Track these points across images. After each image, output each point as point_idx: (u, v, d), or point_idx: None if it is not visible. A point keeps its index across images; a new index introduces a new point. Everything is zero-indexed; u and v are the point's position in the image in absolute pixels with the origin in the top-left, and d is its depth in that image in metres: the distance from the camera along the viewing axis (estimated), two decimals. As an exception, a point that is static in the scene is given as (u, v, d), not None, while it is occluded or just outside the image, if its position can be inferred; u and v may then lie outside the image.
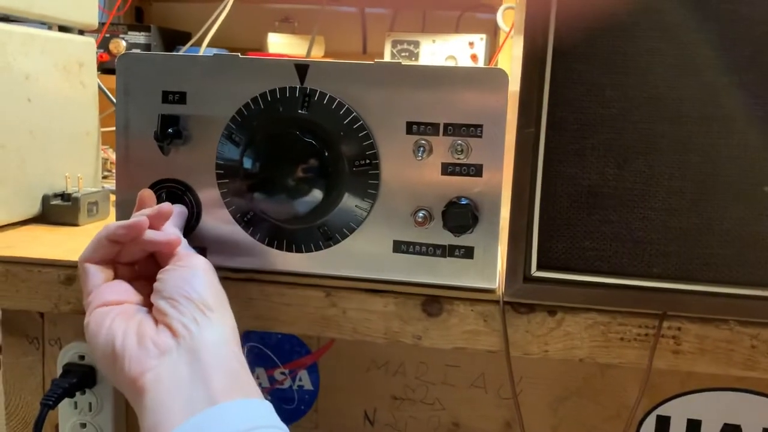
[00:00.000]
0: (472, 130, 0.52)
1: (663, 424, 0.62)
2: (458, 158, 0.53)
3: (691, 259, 0.50)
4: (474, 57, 1.11)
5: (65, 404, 0.62)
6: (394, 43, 1.17)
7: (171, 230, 0.52)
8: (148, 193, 0.54)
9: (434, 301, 0.54)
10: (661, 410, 0.62)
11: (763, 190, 0.49)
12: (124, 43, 1.18)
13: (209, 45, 1.02)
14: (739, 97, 0.48)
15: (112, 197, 0.74)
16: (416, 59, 1.15)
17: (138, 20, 1.40)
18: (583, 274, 0.51)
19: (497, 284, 0.54)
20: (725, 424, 0.61)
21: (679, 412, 0.62)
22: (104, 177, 0.93)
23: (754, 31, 0.48)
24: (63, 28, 0.78)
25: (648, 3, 0.48)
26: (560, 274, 0.51)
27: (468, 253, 0.54)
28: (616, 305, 0.52)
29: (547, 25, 0.48)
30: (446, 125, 0.53)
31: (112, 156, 0.99)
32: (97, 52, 0.84)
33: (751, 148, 0.49)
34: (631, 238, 0.50)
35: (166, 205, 0.51)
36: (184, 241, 0.52)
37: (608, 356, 0.53)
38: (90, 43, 0.80)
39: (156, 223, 0.51)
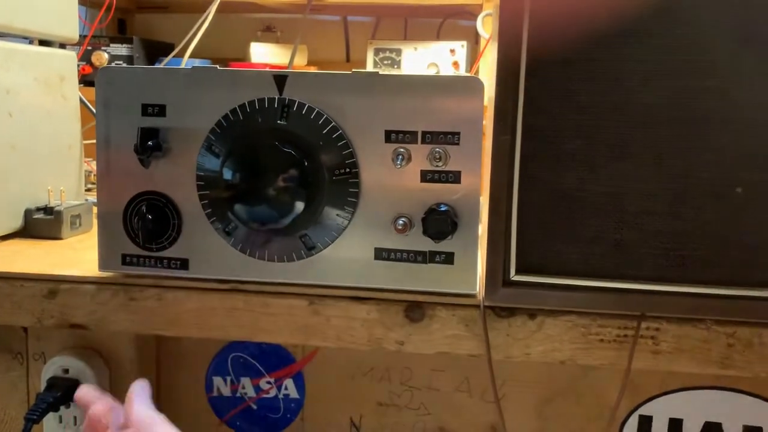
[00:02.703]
0: (450, 137, 0.53)
1: (645, 423, 0.63)
2: (437, 165, 0.53)
3: (666, 260, 0.51)
4: (455, 64, 1.12)
5: (50, 418, 0.62)
6: (377, 51, 1.18)
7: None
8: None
9: (416, 307, 0.55)
10: (643, 410, 0.63)
11: (735, 191, 0.50)
12: (106, 56, 1.18)
13: (192, 56, 1.02)
14: (709, 101, 0.49)
15: (95, 210, 0.74)
16: (398, 67, 1.16)
17: (120, 32, 1.40)
18: (561, 278, 0.52)
19: (478, 289, 0.55)
20: (706, 422, 0.62)
21: (660, 411, 0.62)
22: (87, 189, 0.92)
23: (722, 37, 0.49)
24: (44, 42, 0.78)
25: (618, 11, 0.49)
26: (539, 277, 0.52)
27: (448, 258, 0.54)
28: (595, 307, 0.52)
29: (520, 34, 0.49)
30: (424, 133, 0.53)
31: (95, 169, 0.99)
32: (79, 65, 0.84)
33: (722, 150, 0.50)
34: (607, 241, 0.51)
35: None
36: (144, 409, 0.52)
37: (589, 358, 0.53)
38: (71, 56, 0.81)
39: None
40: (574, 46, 0.50)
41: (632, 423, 0.63)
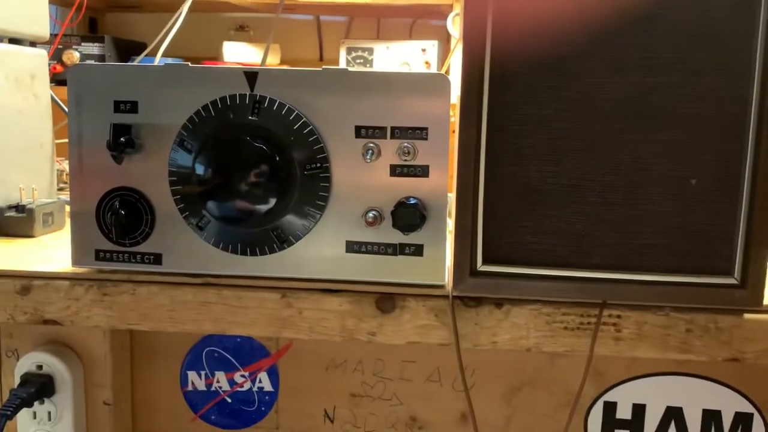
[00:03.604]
0: (418, 132, 0.55)
1: (610, 409, 0.65)
2: (406, 160, 0.55)
3: (626, 249, 0.53)
4: (427, 63, 1.14)
5: (24, 414, 0.63)
6: (349, 50, 1.19)
7: None
8: None
9: (387, 298, 0.56)
10: (608, 396, 0.65)
11: (690, 182, 0.52)
12: (77, 54, 1.18)
13: (165, 55, 1.03)
14: (666, 96, 0.52)
15: (68, 208, 0.74)
16: (371, 66, 1.17)
17: (92, 31, 1.39)
18: (526, 267, 0.53)
19: (446, 280, 0.56)
20: (668, 407, 0.64)
21: (624, 397, 0.65)
22: (60, 189, 0.92)
23: (677, 34, 0.51)
24: (14, 41, 0.78)
25: (579, 9, 0.51)
26: (505, 267, 0.54)
27: (418, 250, 0.56)
28: (559, 296, 0.54)
29: (484, 33, 0.51)
30: (393, 128, 0.55)
31: (67, 168, 0.99)
32: (50, 64, 0.84)
33: (678, 143, 0.52)
34: (569, 232, 0.53)
35: None
36: None
37: (553, 345, 0.55)
38: (42, 55, 0.81)
39: None
40: (537, 44, 0.52)
41: (597, 409, 0.65)
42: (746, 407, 0.63)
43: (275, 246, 0.56)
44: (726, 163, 0.52)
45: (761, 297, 0.52)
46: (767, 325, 0.53)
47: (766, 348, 0.53)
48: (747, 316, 0.53)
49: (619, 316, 0.55)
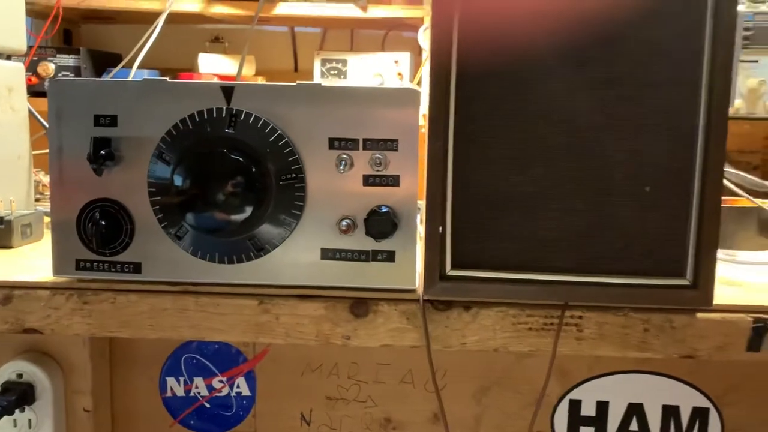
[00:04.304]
0: (389, 144, 0.57)
1: (575, 406, 0.68)
2: (377, 170, 0.57)
3: (587, 253, 0.56)
4: (399, 74, 1.17)
5: (5, 422, 0.63)
6: (323, 62, 1.22)
7: None
8: None
9: (361, 303, 0.59)
10: (573, 394, 0.68)
11: (645, 190, 0.55)
12: (52, 66, 1.18)
13: (140, 66, 1.04)
14: (623, 108, 0.55)
15: (46, 219, 0.76)
16: (344, 76, 1.20)
17: (66, 43, 1.40)
18: (493, 271, 0.56)
19: (417, 284, 0.59)
20: (629, 404, 0.67)
21: (588, 395, 0.68)
22: (36, 200, 0.93)
23: (634, 51, 0.54)
24: (-9, 54, 0.79)
25: (540, 27, 0.54)
26: (473, 272, 0.56)
27: (390, 257, 0.58)
28: (524, 298, 0.57)
29: (450, 48, 0.54)
30: (365, 140, 0.57)
31: (44, 179, 1.00)
32: (25, 75, 0.85)
33: (635, 153, 0.55)
34: (534, 237, 0.56)
35: None
36: None
37: (519, 345, 0.58)
38: (19, 68, 0.82)
39: None
40: (501, 59, 0.55)
41: (563, 407, 0.68)
42: (703, 402, 0.67)
43: (252, 254, 0.58)
44: (678, 171, 0.55)
45: (711, 297, 0.55)
46: (718, 324, 0.56)
47: (718, 345, 0.57)
48: (699, 315, 0.56)
49: (580, 317, 0.58)
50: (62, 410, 0.65)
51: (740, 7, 0.56)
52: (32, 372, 0.63)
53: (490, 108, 0.55)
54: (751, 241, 0.77)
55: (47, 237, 0.73)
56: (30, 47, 1.15)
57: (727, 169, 0.73)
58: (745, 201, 0.76)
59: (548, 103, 0.55)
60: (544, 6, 0.54)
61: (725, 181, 0.65)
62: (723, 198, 0.59)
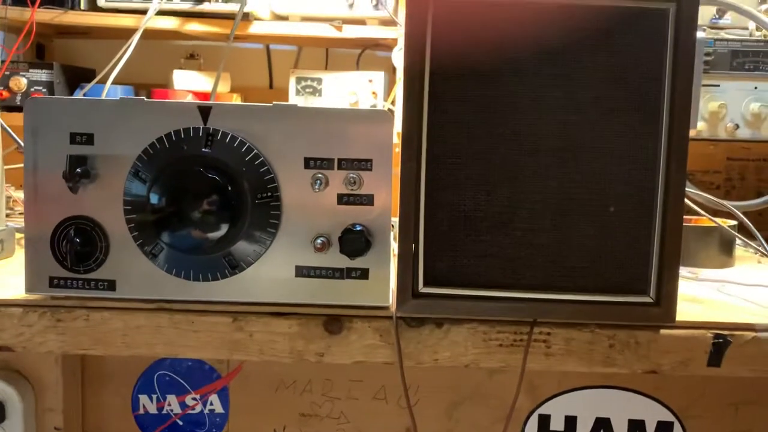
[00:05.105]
0: (363, 164, 0.58)
1: (544, 421, 0.69)
2: (352, 189, 0.59)
3: (553, 271, 0.58)
4: (374, 93, 1.18)
5: (-27, 441, 0.63)
6: (299, 80, 1.23)
7: None
8: None
9: (335, 320, 0.59)
10: (542, 410, 0.69)
11: (609, 210, 0.57)
12: (25, 81, 1.17)
13: (114, 82, 1.04)
14: (586, 132, 0.57)
15: (18, 235, 0.75)
16: (320, 95, 1.21)
17: (39, 57, 1.39)
18: (464, 289, 0.58)
19: (390, 301, 0.60)
20: (597, 418, 0.69)
21: (557, 410, 0.69)
22: (7, 215, 0.92)
23: (595, 77, 0.56)
24: (-36, 70, 0.79)
25: (508, 54, 0.56)
26: (444, 289, 0.58)
27: (363, 274, 0.59)
28: (494, 315, 0.58)
29: (422, 73, 0.55)
30: (340, 160, 0.59)
31: (15, 194, 0.99)
32: (-2, 91, 0.85)
33: (598, 174, 0.57)
34: (502, 255, 0.57)
35: None
36: None
37: (490, 361, 0.59)
38: (-8, 83, 0.81)
39: None
40: (470, 83, 0.56)
41: (533, 421, 0.69)
42: (667, 416, 0.69)
43: (227, 271, 0.59)
44: (640, 192, 0.57)
45: (674, 314, 0.58)
46: (680, 340, 0.58)
47: (680, 360, 0.59)
48: (662, 331, 0.58)
49: (548, 333, 0.59)
50: (33, 428, 0.64)
51: (700, 34, 0.59)
52: (3, 390, 0.63)
53: (459, 131, 0.57)
54: (713, 259, 0.80)
55: (18, 253, 0.73)
56: (2, 62, 1.14)
57: (690, 189, 0.76)
58: (706, 220, 0.78)
59: (513, 127, 0.57)
60: (509, 34, 0.56)
61: (687, 201, 0.68)
62: (686, 217, 0.62)
